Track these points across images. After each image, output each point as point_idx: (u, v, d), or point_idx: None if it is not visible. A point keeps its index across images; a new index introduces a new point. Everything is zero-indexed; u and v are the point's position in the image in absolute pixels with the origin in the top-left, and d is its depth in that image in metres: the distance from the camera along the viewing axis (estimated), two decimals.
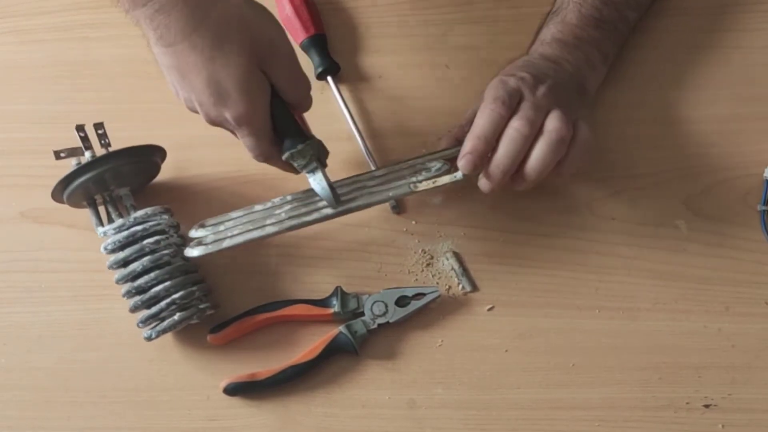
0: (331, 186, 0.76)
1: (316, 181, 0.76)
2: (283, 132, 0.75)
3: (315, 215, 0.77)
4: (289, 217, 0.77)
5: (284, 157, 0.75)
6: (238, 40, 0.69)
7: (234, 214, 0.79)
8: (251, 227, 0.78)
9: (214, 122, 0.74)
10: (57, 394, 0.79)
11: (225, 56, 0.69)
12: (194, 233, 0.79)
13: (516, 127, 0.73)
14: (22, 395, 0.80)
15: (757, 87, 0.88)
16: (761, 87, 0.88)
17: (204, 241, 0.77)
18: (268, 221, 0.78)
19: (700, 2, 0.91)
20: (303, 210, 0.78)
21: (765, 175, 0.84)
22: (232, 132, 0.75)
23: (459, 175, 0.76)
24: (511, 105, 0.74)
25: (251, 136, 0.74)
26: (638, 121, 0.87)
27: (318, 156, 0.76)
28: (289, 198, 0.80)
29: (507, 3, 0.91)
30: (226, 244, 0.76)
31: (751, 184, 0.84)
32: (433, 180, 0.77)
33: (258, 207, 0.80)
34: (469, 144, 0.74)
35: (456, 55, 0.90)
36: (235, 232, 0.77)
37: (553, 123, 0.73)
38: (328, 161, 0.78)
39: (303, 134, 0.75)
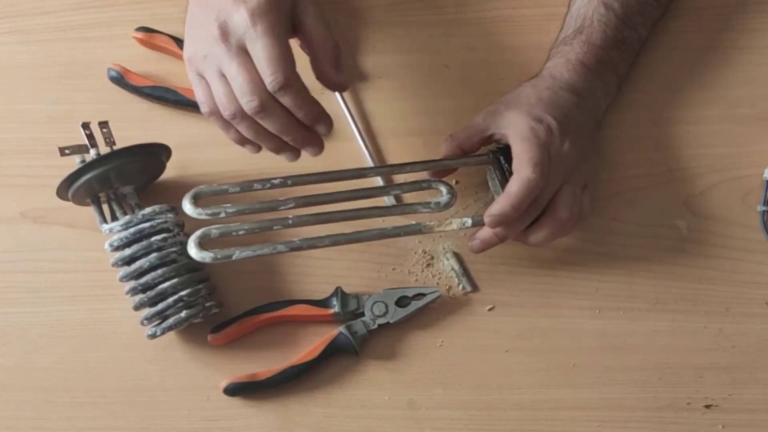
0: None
1: None
2: None
3: (326, 241, 0.76)
4: (297, 220, 0.76)
5: None
6: None
7: (239, 205, 0.75)
8: (257, 226, 0.75)
9: (222, 34, 0.67)
10: (57, 394, 0.80)
11: None
12: (189, 209, 0.74)
13: (570, 204, 0.75)
14: (22, 395, 0.80)
15: (757, 87, 0.87)
16: (761, 87, 0.87)
17: (210, 234, 0.74)
18: (276, 226, 0.76)
19: (699, 3, 0.90)
20: (310, 218, 0.76)
21: (765, 175, 0.84)
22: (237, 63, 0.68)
23: (468, 222, 0.77)
24: (547, 168, 0.74)
25: (267, 37, 0.66)
26: (638, 122, 0.87)
27: None
28: (289, 183, 0.77)
29: (507, 3, 0.91)
30: (236, 255, 0.74)
31: (751, 184, 0.84)
32: (445, 224, 0.78)
33: (257, 185, 0.76)
34: (502, 206, 0.73)
35: (456, 55, 0.90)
36: (242, 232, 0.75)
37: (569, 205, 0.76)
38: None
39: None
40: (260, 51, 0.66)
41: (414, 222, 0.78)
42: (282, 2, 0.69)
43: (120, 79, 0.87)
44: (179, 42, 0.88)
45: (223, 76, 0.69)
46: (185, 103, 0.86)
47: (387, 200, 0.83)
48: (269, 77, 0.67)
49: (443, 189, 0.78)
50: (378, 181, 0.84)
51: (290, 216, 0.76)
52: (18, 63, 0.90)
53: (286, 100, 0.68)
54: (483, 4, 0.91)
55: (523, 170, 0.73)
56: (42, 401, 0.79)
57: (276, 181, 0.76)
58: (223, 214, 0.75)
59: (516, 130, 0.76)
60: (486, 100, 0.82)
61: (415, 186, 0.79)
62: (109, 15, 0.91)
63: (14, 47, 0.91)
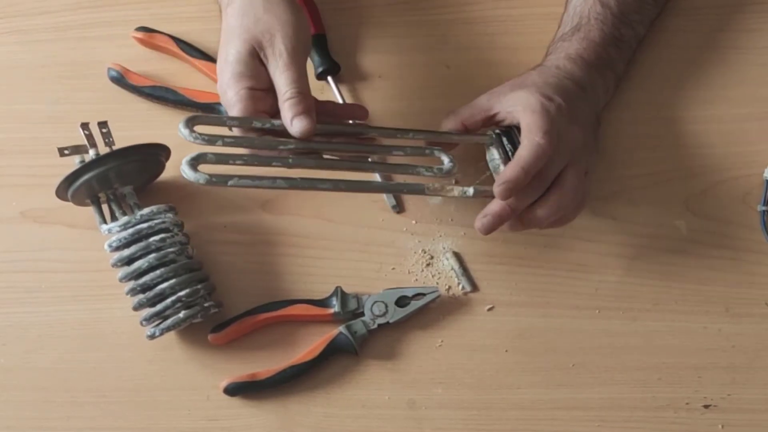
0: None
1: None
2: None
3: (328, 184, 0.72)
4: (297, 160, 0.73)
5: None
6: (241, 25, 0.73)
7: (238, 136, 0.74)
8: (256, 159, 0.72)
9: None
10: (57, 394, 0.80)
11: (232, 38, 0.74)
12: (185, 133, 0.71)
13: (575, 184, 0.75)
14: (22, 395, 0.80)
15: (757, 87, 0.87)
16: (761, 87, 0.87)
17: (206, 157, 0.70)
18: (275, 162, 0.72)
19: (699, 3, 0.91)
20: (312, 161, 0.74)
21: (765, 175, 0.84)
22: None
23: (470, 191, 0.77)
24: (556, 138, 0.74)
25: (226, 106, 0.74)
26: (638, 121, 0.87)
27: None
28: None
29: (507, 3, 0.91)
30: (232, 182, 0.70)
31: (751, 184, 0.84)
32: (447, 190, 0.77)
33: (257, 124, 0.73)
34: (514, 172, 0.72)
35: (456, 55, 0.90)
36: (239, 162, 0.71)
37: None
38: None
39: None
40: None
41: (419, 183, 0.77)
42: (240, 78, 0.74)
43: (120, 79, 0.87)
44: (179, 42, 0.88)
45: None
46: (185, 103, 0.86)
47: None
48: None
49: (445, 158, 0.77)
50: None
51: (290, 156, 0.74)
52: (18, 63, 0.90)
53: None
54: (483, 4, 0.91)
55: (534, 136, 0.73)
56: (42, 401, 0.79)
57: (277, 123, 0.73)
58: (220, 143, 0.71)
59: (526, 104, 0.75)
60: None
61: (418, 151, 0.78)
62: (109, 15, 0.91)
63: (14, 47, 0.91)
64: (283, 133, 0.73)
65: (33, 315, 0.82)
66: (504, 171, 0.73)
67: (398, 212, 0.84)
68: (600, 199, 0.84)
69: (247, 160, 0.72)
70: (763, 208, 0.83)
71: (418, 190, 0.76)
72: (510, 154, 0.75)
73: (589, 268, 0.82)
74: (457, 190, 0.77)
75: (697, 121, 0.87)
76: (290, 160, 0.73)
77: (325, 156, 0.75)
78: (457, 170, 0.77)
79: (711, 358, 0.79)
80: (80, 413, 0.79)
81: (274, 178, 0.71)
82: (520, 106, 0.75)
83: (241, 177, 0.70)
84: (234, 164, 0.71)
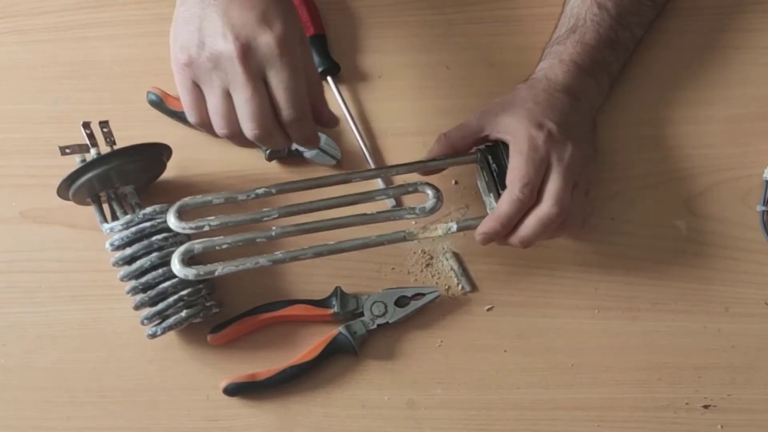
0: None
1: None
2: None
3: (309, 253, 0.75)
4: (280, 231, 0.75)
5: None
6: None
7: (223, 218, 0.75)
8: (240, 239, 0.75)
9: (243, 54, 0.65)
10: (57, 394, 0.80)
11: None
12: (174, 224, 0.74)
13: (549, 215, 0.73)
14: (22, 395, 0.80)
15: (757, 87, 0.87)
16: (761, 87, 0.87)
17: (193, 250, 0.74)
18: (259, 238, 0.75)
19: (699, 3, 0.90)
20: (293, 229, 0.75)
21: (765, 175, 0.84)
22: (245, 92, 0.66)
23: (454, 227, 0.77)
24: (538, 184, 0.74)
25: (291, 69, 0.66)
26: (638, 121, 0.87)
27: None
28: (273, 191, 0.76)
29: (507, 3, 0.91)
30: (219, 271, 0.74)
31: (751, 184, 0.84)
32: (430, 230, 0.77)
33: (241, 197, 0.75)
34: (491, 226, 0.74)
35: (456, 55, 0.90)
36: (225, 246, 0.74)
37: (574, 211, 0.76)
38: None
39: None
40: (283, 82, 0.66)
41: (399, 230, 0.77)
42: (302, 33, 0.69)
43: (159, 104, 0.86)
44: None
45: (228, 95, 0.67)
46: None
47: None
48: (288, 110, 0.67)
49: (430, 192, 0.77)
50: (376, 183, 0.83)
51: (273, 228, 0.75)
52: (18, 63, 0.90)
53: (293, 129, 0.69)
54: (483, 4, 0.91)
55: (513, 188, 0.74)
56: (42, 401, 0.79)
57: (260, 191, 0.76)
58: (207, 228, 0.74)
59: (515, 140, 0.75)
60: (486, 100, 0.82)
61: (401, 190, 0.79)
62: (109, 15, 0.91)
63: (14, 47, 0.91)
64: (267, 192, 0.75)
65: (33, 315, 0.82)
66: (484, 221, 0.75)
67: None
68: (600, 199, 0.84)
69: (231, 243, 0.75)
70: (763, 208, 0.83)
71: (399, 238, 0.77)
72: (495, 175, 0.77)
73: (589, 268, 0.82)
74: (441, 229, 0.77)
75: (697, 121, 0.87)
76: (273, 233, 0.75)
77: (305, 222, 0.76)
78: (442, 205, 0.77)
79: (711, 358, 0.79)
80: (80, 413, 0.79)
81: (257, 259, 0.75)
82: (510, 135, 0.76)
83: (225, 265, 0.74)
84: (221, 248, 0.74)
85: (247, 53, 0.65)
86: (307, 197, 0.77)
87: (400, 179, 0.83)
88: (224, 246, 0.75)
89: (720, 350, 0.79)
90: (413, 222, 0.82)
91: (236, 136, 0.69)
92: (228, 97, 0.67)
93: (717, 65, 0.88)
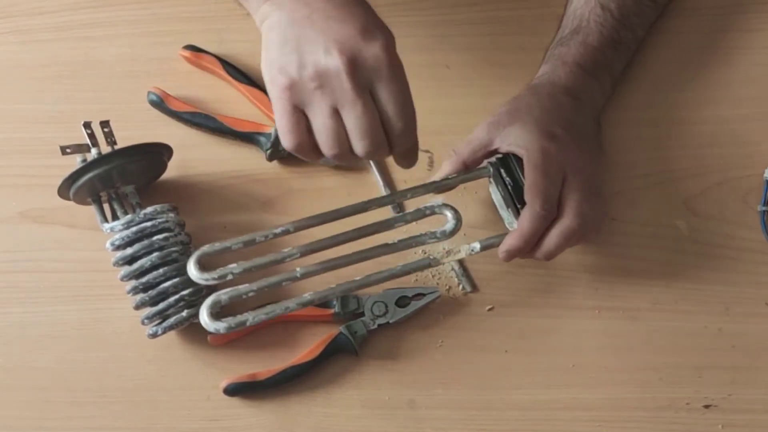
0: None
1: None
2: None
3: (337, 291, 0.74)
4: (305, 271, 0.74)
5: None
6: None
7: (244, 264, 0.72)
8: (266, 284, 0.73)
9: (351, 68, 0.63)
10: (57, 394, 0.80)
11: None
12: (195, 275, 0.71)
13: (572, 228, 0.73)
14: (22, 395, 0.80)
15: (757, 87, 0.87)
16: (761, 87, 0.87)
17: (220, 301, 0.71)
18: (285, 282, 0.73)
19: (700, 4, 0.90)
20: (318, 268, 0.74)
21: (765, 175, 0.84)
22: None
23: (477, 248, 0.76)
24: (557, 196, 0.74)
25: (401, 78, 0.64)
26: (638, 122, 0.87)
27: None
28: (291, 229, 0.74)
29: (507, 3, 0.91)
30: (250, 321, 0.72)
31: (751, 184, 0.84)
32: (454, 254, 0.76)
33: (259, 237, 0.73)
34: (515, 243, 0.74)
35: (456, 55, 0.90)
36: (251, 294, 0.72)
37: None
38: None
39: None
40: (393, 93, 0.64)
41: (423, 257, 0.77)
42: None
43: (160, 104, 0.86)
44: (225, 65, 0.86)
45: (336, 113, 0.64)
46: (225, 131, 0.85)
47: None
48: (399, 122, 0.65)
49: (449, 214, 0.76)
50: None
51: (297, 269, 0.73)
52: (18, 63, 0.90)
53: (401, 141, 0.66)
54: (483, 5, 0.91)
55: (534, 205, 0.73)
56: (42, 401, 0.79)
57: (278, 231, 0.74)
58: (230, 276, 0.72)
59: (528, 154, 0.74)
60: (486, 100, 0.82)
61: (418, 214, 0.76)
62: (109, 15, 0.91)
63: (14, 47, 0.91)
64: (284, 231, 0.73)
65: (33, 315, 0.82)
66: (506, 239, 0.74)
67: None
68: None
69: (257, 290, 0.72)
70: (763, 208, 0.83)
71: (425, 265, 0.76)
72: (510, 188, 0.76)
73: (589, 268, 0.82)
74: (464, 250, 0.76)
75: (697, 121, 0.87)
76: (298, 274, 0.73)
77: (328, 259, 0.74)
78: (461, 225, 0.75)
79: (711, 358, 0.79)
80: (80, 413, 0.79)
81: (286, 304, 0.73)
82: (522, 149, 0.75)
83: (256, 314, 0.72)
84: (247, 297, 0.72)
85: (354, 66, 0.63)
86: (325, 229, 0.75)
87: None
88: (251, 294, 0.72)
89: (720, 350, 0.79)
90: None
91: (345, 155, 0.66)
92: (336, 114, 0.64)
93: (717, 65, 0.89)
